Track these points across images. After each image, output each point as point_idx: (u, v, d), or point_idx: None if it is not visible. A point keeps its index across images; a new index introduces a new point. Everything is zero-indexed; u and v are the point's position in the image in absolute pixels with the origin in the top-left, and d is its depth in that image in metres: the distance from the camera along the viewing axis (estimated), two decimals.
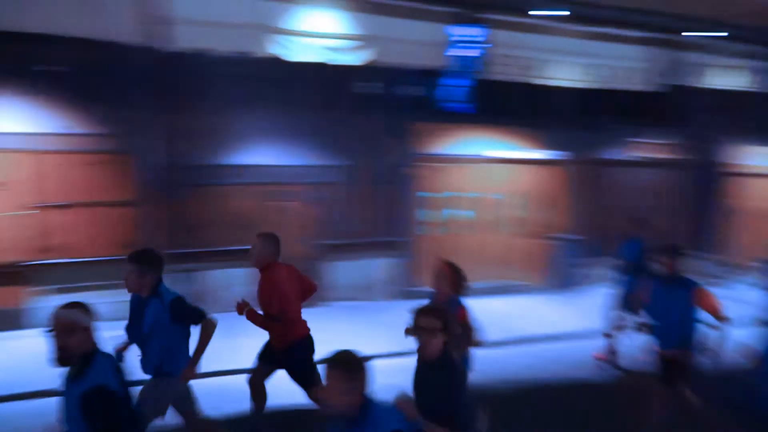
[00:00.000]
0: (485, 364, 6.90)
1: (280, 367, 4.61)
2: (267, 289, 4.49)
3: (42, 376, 5.11)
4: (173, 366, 3.86)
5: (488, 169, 10.86)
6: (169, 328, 3.80)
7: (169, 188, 8.52)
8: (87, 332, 2.66)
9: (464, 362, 4.47)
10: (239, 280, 8.98)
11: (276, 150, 9.20)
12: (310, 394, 4.56)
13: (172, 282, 8.54)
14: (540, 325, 8.58)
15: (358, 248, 9.72)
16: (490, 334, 7.90)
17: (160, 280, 3.86)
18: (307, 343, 4.62)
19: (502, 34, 11.12)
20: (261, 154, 9.13)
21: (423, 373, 3.12)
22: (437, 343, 2.99)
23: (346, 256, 9.63)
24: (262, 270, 4.54)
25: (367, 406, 2.44)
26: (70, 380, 2.64)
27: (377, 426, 2.41)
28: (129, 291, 3.87)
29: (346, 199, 9.71)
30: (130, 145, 8.35)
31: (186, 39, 8.64)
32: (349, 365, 2.44)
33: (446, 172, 10.62)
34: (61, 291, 7.72)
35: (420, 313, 3.05)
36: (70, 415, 2.63)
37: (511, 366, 6.97)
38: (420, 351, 3.04)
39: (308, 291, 4.75)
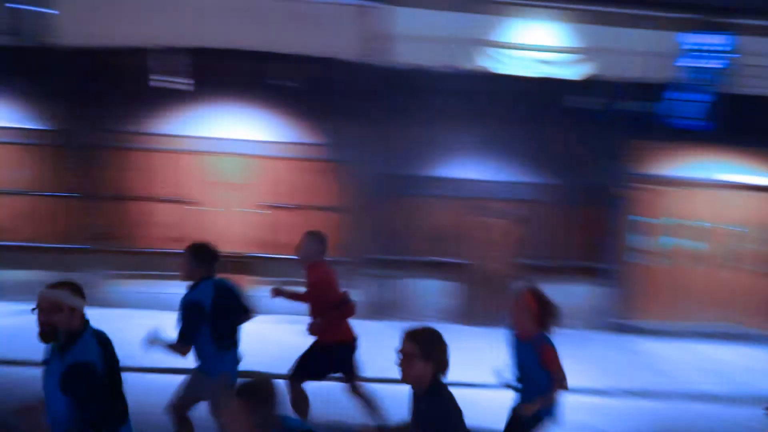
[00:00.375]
0: (647, 417, 5.96)
1: (344, 365, 4.70)
2: (316, 285, 4.59)
3: (279, 357, 5.54)
4: (203, 363, 3.93)
5: (726, 196, 9.40)
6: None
7: (378, 197, 8.91)
8: (73, 312, 2.68)
9: (547, 412, 3.73)
10: (433, 291, 9.05)
11: (483, 165, 9.07)
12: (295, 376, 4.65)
13: (371, 286, 9.05)
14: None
15: (560, 271, 9.11)
16: (685, 384, 6.83)
17: (203, 274, 3.93)
18: (351, 348, 4.70)
19: (746, 41, 9.60)
20: (468, 168, 9.08)
21: (413, 405, 2.75)
22: (417, 370, 2.58)
23: (546, 278, 9.06)
24: (307, 268, 4.65)
25: None
26: (55, 356, 2.68)
27: None
28: (180, 277, 4.01)
29: (551, 219, 9.19)
30: (345, 155, 8.89)
31: (401, 54, 8.96)
32: (256, 397, 2.20)
33: (669, 197, 9.42)
34: (282, 284, 8.45)
35: (404, 335, 2.69)
36: (50, 391, 2.67)
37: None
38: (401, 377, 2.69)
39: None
